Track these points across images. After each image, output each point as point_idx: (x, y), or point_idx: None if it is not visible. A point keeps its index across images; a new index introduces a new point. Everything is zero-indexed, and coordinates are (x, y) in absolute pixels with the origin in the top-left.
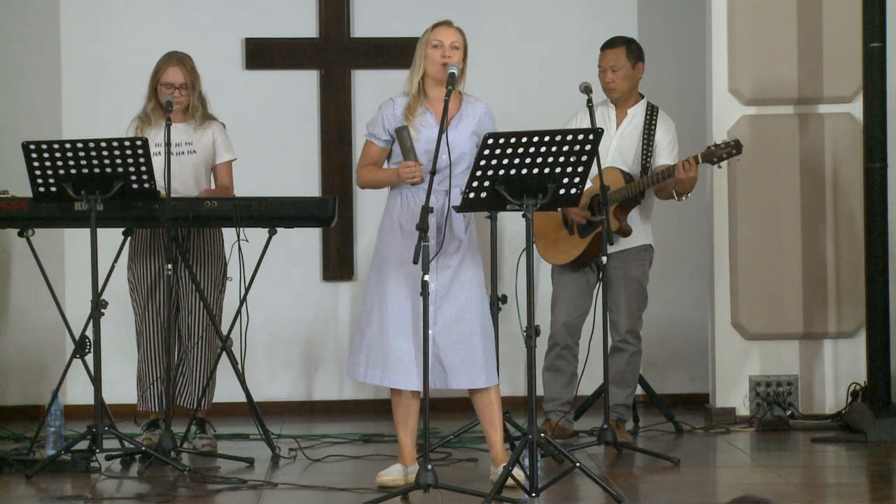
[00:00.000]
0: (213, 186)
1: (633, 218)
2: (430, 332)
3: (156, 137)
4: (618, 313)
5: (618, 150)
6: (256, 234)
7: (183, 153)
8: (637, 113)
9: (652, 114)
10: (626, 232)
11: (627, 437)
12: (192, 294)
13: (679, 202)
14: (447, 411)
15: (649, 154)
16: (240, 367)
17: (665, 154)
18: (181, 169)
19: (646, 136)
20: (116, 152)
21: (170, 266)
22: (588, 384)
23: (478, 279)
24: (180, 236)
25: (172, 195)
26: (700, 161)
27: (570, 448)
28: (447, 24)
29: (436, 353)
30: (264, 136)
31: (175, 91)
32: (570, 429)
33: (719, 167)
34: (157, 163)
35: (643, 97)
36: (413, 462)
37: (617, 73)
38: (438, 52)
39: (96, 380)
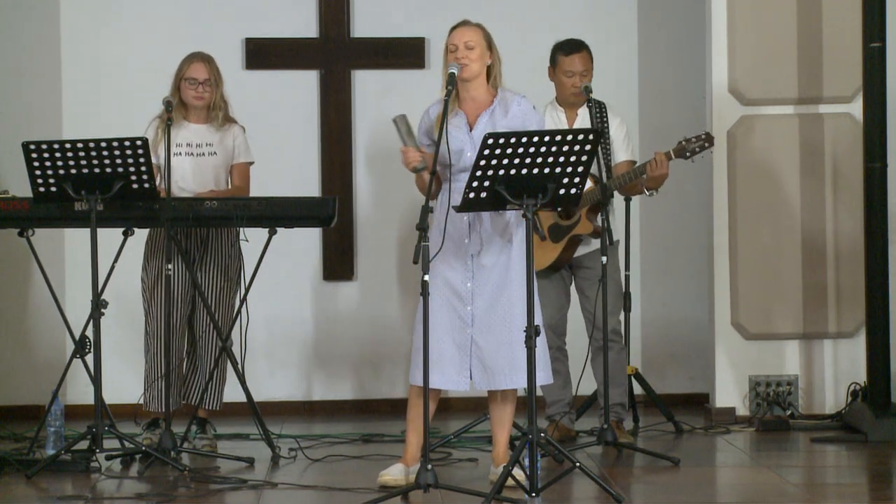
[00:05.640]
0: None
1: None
2: (468, 332)
3: (176, 137)
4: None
5: None
6: (257, 234)
7: (203, 154)
8: (584, 112)
9: (600, 110)
10: (598, 233)
11: (629, 438)
12: (211, 293)
13: (648, 197)
14: (447, 411)
15: (608, 152)
16: (240, 367)
17: (623, 150)
18: (201, 170)
19: None
20: (116, 152)
21: (170, 266)
22: (581, 385)
23: (522, 277)
24: (199, 237)
25: (191, 196)
26: (672, 157)
27: (570, 448)
28: (462, 24)
29: (477, 355)
30: (264, 136)
31: (199, 87)
32: (573, 429)
33: (692, 161)
34: (178, 163)
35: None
36: (415, 462)
37: (585, 78)
38: (453, 55)
39: (96, 380)
